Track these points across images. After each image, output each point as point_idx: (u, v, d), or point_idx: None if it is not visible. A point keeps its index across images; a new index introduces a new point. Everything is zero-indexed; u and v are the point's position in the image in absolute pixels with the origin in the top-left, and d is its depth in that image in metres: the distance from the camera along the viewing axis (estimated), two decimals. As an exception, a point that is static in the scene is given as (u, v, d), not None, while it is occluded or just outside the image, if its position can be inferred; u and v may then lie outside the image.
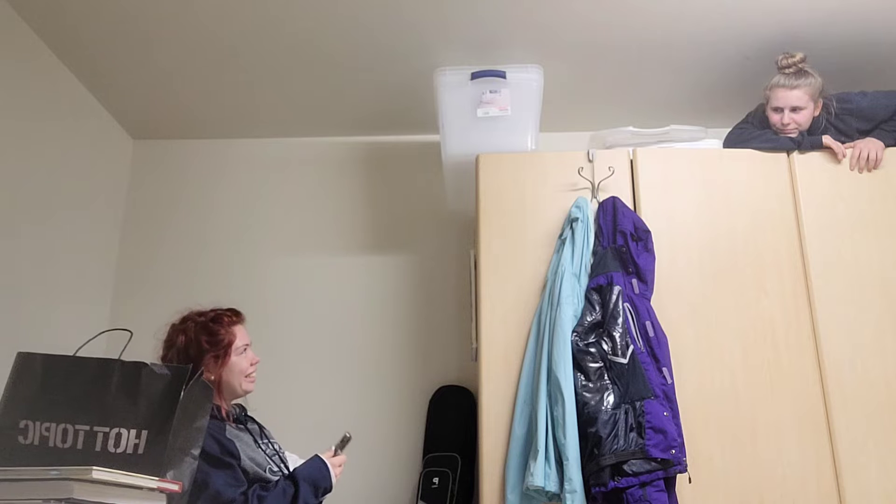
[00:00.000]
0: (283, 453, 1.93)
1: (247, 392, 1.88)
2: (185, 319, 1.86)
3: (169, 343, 1.84)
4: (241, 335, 1.88)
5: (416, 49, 2.64)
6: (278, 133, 3.25)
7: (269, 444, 1.90)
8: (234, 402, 1.91)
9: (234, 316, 1.90)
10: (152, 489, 1.31)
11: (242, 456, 1.72)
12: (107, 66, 2.73)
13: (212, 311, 1.89)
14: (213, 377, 1.80)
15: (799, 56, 2.45)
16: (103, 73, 2.77)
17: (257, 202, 3.20)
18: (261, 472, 1.75)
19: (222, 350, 1.82)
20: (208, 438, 1.61)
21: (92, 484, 1.21)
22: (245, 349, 1.88)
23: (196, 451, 1.44)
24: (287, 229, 3.16)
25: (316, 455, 1.85)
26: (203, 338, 1.81)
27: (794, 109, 2.43)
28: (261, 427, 1.94)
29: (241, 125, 3.18)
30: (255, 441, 1.84)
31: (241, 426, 1.86)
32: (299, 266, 3.10)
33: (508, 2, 2.41)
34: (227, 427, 1.77)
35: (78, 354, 1.47)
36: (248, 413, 1.96)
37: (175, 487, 1.34)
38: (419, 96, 2.89)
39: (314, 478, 1.78)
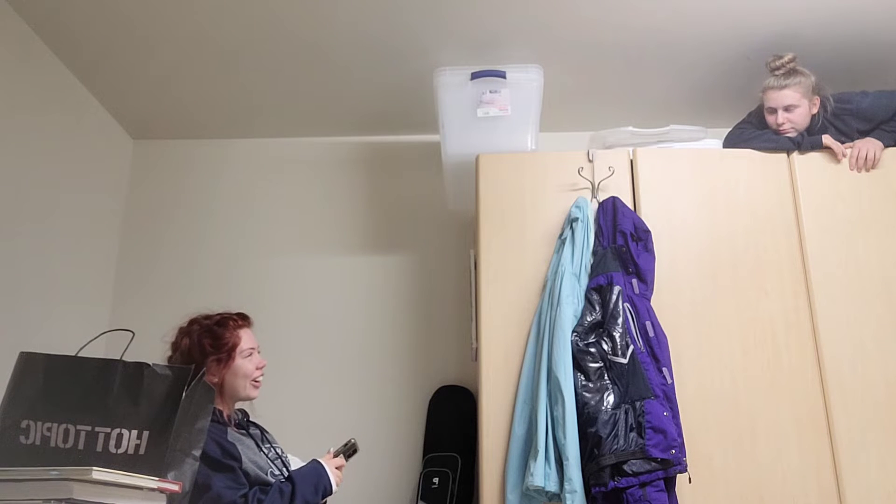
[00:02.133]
0: (286, 457, 1.92)
1: (250, 397, 1.87)
2: (191, 322, 1.86)
3: (175, 346, 1.85)
4: (246, 338, 1.87)
5: (416, 49, 2.64)
6: (278, 133, 3.25)
7: (272, 448, 1.89)
8: (236, 407, 1.90)
9: (241, 320, 1.90)
10: (153, 489, 1.30)
11: (244, 458, 1.72)
12: (107, 66, 2.73)
13: (218, 314, 1.88)
14: (216, 380, 1.79)
15: (788, 56, 2.47)
16: (103, 73, 2.77)
17: (257, 202, 3.19)
18: (262, 475, 1.74)
19: (225, 353, 1.82)
20: (209, 442, 1.60)
21: (92, 484, 1.20)
22: (251, 353, 1.87)
23: (197, 453, 1.44)
24: (287, 229, 3.15)
25: (314, 459, 1.86)
26: (206, 341, 1.81)
27: (787, 109, 2.45)
28: (262, 431, 1.93)
29: (241, 125, 3.18)
30: (258, 445, 1.83)
31: (243, 431, 1.86)
32: (299, 266, 3.10)
33: (508, 2, 2.41)
34: (229, 430, 1.77)
35: (79, 355, 1.47)
36: (251, 419, 1.95)
37: (175, 488, 1.34)
38: (419, 96, 2.89)
39: (310, 476, 1.78)
